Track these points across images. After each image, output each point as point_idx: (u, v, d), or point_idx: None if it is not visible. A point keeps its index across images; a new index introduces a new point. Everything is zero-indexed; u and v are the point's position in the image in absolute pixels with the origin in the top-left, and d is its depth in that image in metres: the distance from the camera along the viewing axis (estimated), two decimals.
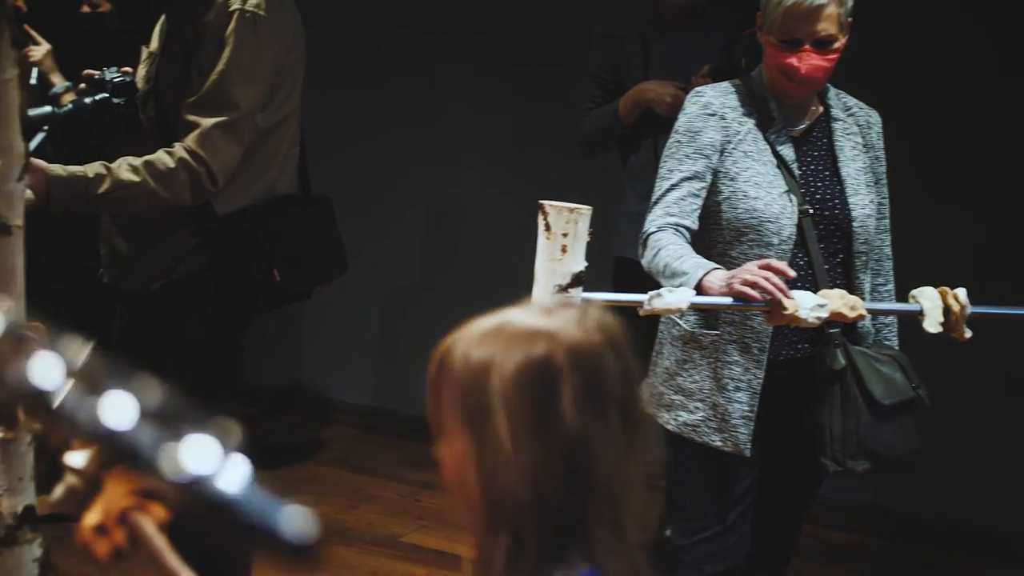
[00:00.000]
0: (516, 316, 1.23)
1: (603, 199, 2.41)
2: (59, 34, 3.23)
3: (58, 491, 1.11)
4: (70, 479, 1.10)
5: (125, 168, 2.61)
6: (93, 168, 2.59)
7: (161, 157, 2.64)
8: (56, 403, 0.60)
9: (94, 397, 0.59)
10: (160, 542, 0.99)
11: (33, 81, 2.95)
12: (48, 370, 0.60)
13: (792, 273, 2.48)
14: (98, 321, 2.76)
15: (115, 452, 0.57)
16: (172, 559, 0.97)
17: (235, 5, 2.69)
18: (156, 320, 2.86)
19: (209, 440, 0.56)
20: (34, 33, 3.10)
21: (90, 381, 0.60)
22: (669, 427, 2.75)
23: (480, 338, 1.21)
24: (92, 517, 1.03)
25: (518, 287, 2.71)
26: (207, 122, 2.66)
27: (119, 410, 0.58)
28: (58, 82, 2.97)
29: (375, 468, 4.62)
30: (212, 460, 0.55)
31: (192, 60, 2.73)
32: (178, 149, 2.65)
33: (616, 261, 3.71)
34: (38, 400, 0.60)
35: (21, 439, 1.76)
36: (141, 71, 2.86)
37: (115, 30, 2.98)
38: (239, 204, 2.79)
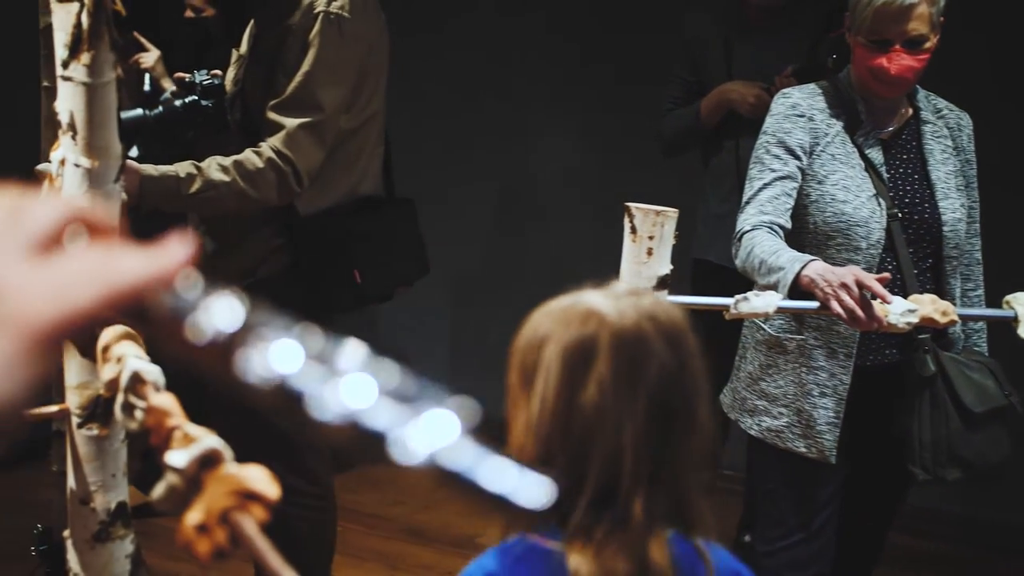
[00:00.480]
0: (587, 297, 1.35)
1: (682, 200, 2.38)
2: (167, 38, 3.28)
3: (159, 489, 1.12)
4: (171, 478, 1.11)
5: (215, 168, 2.64)
6: (184, 167, 2.63)
7: (249, 157, 2.67)
8: (297, 388, 0.62)
9: (334, 379, 0.59)
10: (262, 542, 1.00)
11: (147, 87, 2.99)
12: (289, 357, 0.61)
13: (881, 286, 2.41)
14: None
15: (358, 433, 0.60)
16: (274, 559, 0.97)
17: (320, 7, 2.71)
18: None
19: (447, 415, 0.61)
20: (144, 40, 3.15)
21: (328, 365, 0.63)
22: (752, 432, 2.72)
23: (550, 313, 1.35)
24: (194, 516, 1.04)
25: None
26: (292, 123, 2.69)
27: (360, 391, 0.61)
28: (168, 87, 3.01)
29: None
30: (450, 434, 0.60)
31: (278, 62, 2.75)
32: (265, 149, 2.68)
33: (695, 263, 3.68)
34: (280, 388, 0.60)
35: (114, 436, 1.78)
36: (230, 74, 2.89)
37: (219, 34, 3.01)
38: (322, 205, 2.82)
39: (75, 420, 1.76)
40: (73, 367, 1.76)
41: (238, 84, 2.86)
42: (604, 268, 2.20)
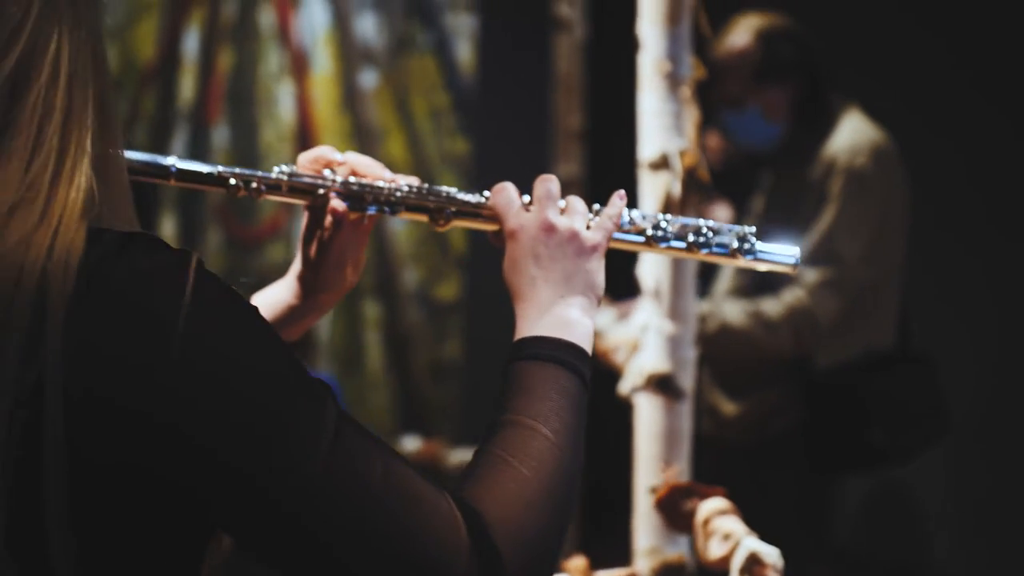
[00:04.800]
0: None
1: None
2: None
3: None
4: None
5: (733, 311, 2.65)
6: (702, 306, 2.65)
7: (769, 305, 2.65)
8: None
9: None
10: None
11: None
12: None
13: None
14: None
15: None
16: None
17: (842, 163, 2.68)
18: (746, 473, 2.83)
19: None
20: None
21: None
22: None
23: None
24: None
25: None
26: (813, 276, 2.65)
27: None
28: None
29: None
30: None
31: (795, 215, 2.73)
32: (787, 298, 2.65)
33: None
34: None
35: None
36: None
37: (731, 187, 3.04)
38: (840, 359, 2.74)
39: None
40: (644, 530, 1.74)
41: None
42: None
